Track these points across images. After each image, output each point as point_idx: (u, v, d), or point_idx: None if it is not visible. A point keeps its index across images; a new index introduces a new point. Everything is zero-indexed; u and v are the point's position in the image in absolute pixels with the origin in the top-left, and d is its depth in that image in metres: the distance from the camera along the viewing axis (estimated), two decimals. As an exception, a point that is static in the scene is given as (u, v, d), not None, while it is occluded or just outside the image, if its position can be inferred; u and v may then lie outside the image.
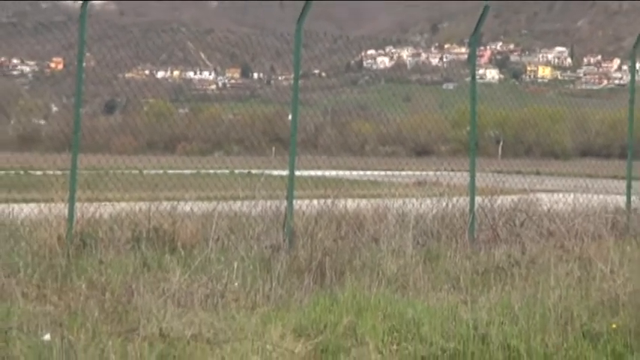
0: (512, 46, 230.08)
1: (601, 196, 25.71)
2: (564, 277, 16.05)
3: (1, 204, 19.46)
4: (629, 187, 23.30)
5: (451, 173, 26.31)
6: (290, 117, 24.07)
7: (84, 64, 19.60)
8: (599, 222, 22.10)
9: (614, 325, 13.26)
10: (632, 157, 25.36)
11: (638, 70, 29.22)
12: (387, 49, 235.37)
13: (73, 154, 18.24)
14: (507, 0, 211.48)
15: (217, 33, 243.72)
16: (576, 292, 14.87)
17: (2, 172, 36.92)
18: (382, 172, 53.26)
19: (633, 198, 23.24)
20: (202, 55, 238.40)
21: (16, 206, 18.91)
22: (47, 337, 10.92)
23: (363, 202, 21.92)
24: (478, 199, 21.43)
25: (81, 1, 18.53)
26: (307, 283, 15.42)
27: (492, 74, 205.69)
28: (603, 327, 13.24)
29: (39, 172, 30.76)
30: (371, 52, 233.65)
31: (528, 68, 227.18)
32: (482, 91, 28.43)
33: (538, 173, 38.48)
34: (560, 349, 12.39)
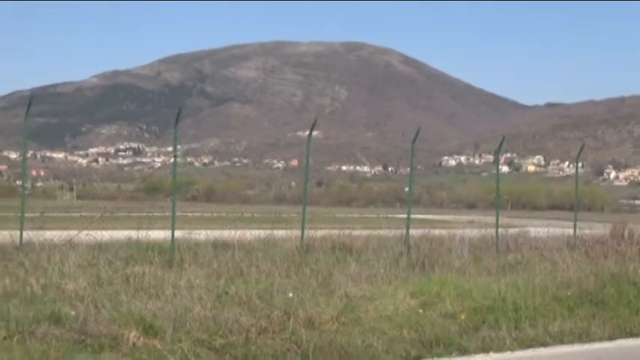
0: (515, 155, 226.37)
1: (561, 229, 25.00)
2: (543, 269, 15.62)
3: (267, 230, 19.54)
4: (575, 224, 22.56)
5: (486, 217, 25.74)
6: (407, 189, 24.12)
7: (309, 163, 19.73)
8: (560, 242, 21.45)
9: (568, 293, 12.88)
10: (578, 209, 24.67)
11: (578, 167, 28.53)
12: (454, 156, 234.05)
13: (303, 206, 18.32)
14: (512, 132, 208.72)
15: (372, 148, 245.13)
16: (549, 277, 14.41)
17: (269, 214, 37.33)
18: (452, 216, 52.83)
19: (577, 230, 22.50)
20: (363, 159, 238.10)
21: (274, 231, 18.99)
22: (290, 294, 10.95)
23: (443, 231, 21.53)
24: (500, 230, 20.92)
25: (307, 133, 18.67)
26: (416, 271, 15.20)
27: (505, 169, 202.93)
28: (563, 294, 12.84)
29: (285, 215, 30.97)
30: (445, 157, 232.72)
31: (523, 166, 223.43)
32: (501, 177, 27.88)
33: (529, 217, 37.71)
34: (542, 305, 12.05)
